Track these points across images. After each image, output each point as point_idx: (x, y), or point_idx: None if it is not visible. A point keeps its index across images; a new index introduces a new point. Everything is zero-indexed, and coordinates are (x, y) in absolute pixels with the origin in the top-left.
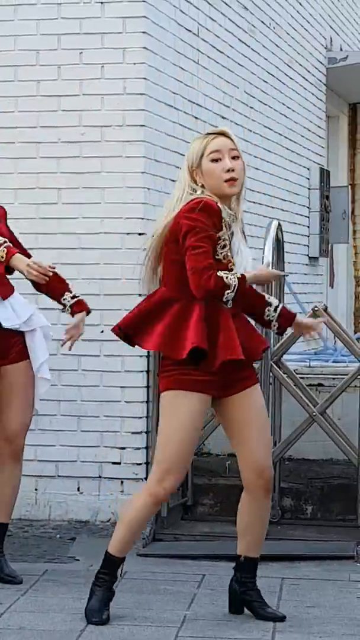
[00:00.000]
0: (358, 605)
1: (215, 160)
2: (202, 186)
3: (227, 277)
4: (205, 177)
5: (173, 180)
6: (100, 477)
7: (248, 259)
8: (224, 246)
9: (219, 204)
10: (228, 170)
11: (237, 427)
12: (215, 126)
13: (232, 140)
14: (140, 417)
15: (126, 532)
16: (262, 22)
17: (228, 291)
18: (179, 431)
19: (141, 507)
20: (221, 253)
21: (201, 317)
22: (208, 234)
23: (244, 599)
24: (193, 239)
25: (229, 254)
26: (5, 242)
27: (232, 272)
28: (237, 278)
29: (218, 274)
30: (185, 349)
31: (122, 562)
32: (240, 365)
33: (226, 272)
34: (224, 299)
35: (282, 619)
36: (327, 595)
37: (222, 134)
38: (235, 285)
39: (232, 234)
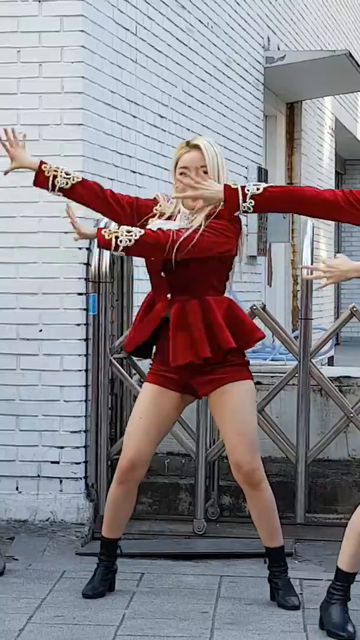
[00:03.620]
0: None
1: (182, 174)
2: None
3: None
4: (175, 183)
5: (111, 179)
6: (39, 476)
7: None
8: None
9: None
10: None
11: (218, 424)
12: (153, 125)
13: (203, 155)
14: (79, 416)
15: None
16: (200, 21)
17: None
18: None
19: None
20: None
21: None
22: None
23: (271, 585)
24: None
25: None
26: None
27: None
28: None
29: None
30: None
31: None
32: (202, 366)
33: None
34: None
35: (297, 607)
36: (265, 592)
37: (196, 147)
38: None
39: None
